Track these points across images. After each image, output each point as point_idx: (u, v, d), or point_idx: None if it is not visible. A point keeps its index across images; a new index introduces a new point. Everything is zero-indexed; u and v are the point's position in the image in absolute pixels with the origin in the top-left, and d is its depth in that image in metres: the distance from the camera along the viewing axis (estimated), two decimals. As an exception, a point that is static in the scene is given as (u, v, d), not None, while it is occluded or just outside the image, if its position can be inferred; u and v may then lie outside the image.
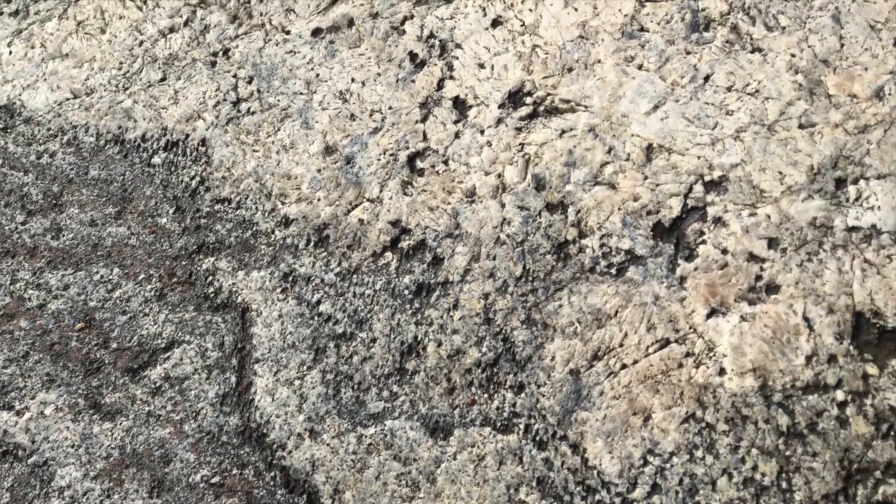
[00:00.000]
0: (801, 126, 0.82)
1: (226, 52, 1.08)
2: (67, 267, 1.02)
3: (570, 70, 0.93)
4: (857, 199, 0.78)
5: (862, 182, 0.79)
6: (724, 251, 0.81)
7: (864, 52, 0.83)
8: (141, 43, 1.13)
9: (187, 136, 1.05)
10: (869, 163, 0.79)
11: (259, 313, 0.94)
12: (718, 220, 0.83)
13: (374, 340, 0.90)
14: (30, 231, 1.05)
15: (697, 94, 0.87)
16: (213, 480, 0.87)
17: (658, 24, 0.91)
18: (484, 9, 0.99)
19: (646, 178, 0.87)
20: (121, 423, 0.92)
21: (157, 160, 1.05)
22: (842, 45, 0.84)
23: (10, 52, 1.19)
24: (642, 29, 0.92)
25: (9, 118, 1.15)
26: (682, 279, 0.82)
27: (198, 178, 1.02)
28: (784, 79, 0.84)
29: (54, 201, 1.07)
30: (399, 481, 0.83)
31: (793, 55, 0.85)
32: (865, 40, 0.83)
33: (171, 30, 1.12)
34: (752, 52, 0.86)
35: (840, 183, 0.80)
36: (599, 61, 0.92)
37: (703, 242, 0.83)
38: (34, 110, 1.14)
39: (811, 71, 0.84)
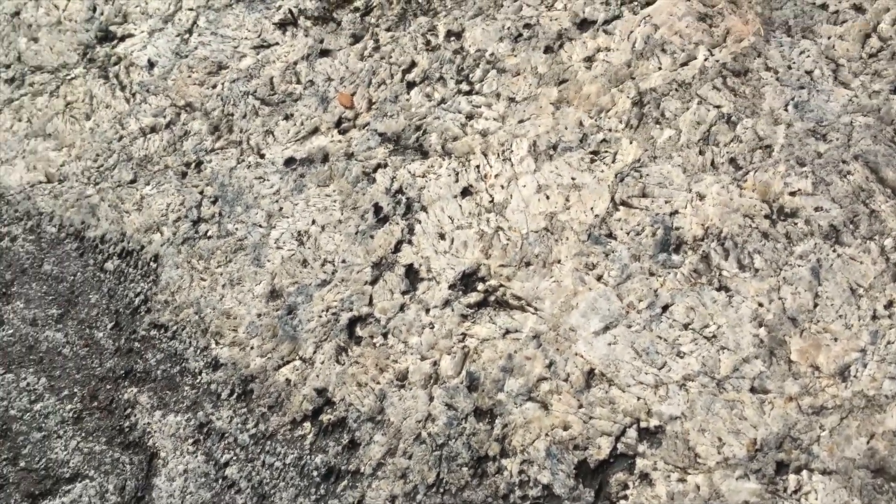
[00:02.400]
0: (752, 389, 0.74)
1: (198, 164, 1.04)
2: (-2, 366, 0.99)
3: (528, 264, 0.87)
4: (795, 492, 0.70)
5: (804, 473, 0.70)
6: (645, 514, 0.74)
7: (837, 319, 0.75)
8: (120, 138, 1.10)
9: (142, 247, 1.01)
10: (817, 452, 0.71)
11: (165, 463, 0.89)
12: (645, 478, 0.75)
13: (271, 521, 0.84)
14: (-27, 318, 1.03)
15: (652, 325, 0.80)
16: None
17: (627, 233, 0.84)
18: (457, 174, 0.93)
19: (581, 406, 0.80)
20: (6, 555, 0.89)
21: (109, 266, 1.02)
22: (815, 305, 0.76)
23: (-2, 122, 1.18)
24: (610, 235, 0.85)
25: (-18, 190, 1.13)
26: (595, 534, 0.75)
27: (142, 297, 0.98)
28: (746, 329, 0.77)
29: (4, 290, 1.05)
30: None
31: (760, 304, 0.77)
32: (842, 305, 0.75)
33: (153, 129, 1.09)
34: (719, 289, 0.79)
35: (781, 468, 0.71)
36: (559, 261, 0.86)
37: (625, 498, 0.75)
38: (7, 187, 1.12)
39: (776, 327, 0.76)
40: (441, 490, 0.81)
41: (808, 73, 0.86)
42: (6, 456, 0.94)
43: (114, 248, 1.03)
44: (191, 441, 0.90)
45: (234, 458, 0.88)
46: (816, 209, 0.79)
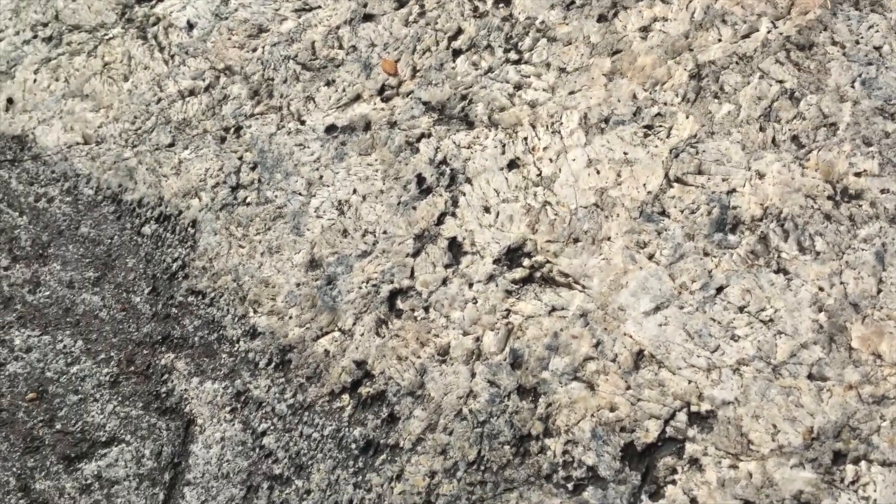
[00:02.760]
0: (810, 377, 0.71)
1: (238, 129, 1.03)
2: (35, 328, 0.99)
3: (576, 240, 0.85)
4: (852, 483, 0.68)
5: (863, 464, 0.68)
6: (694, 500, 0.72)
7: (902, 306, 0.72)
8: (159, 100, 1.08)
9: (180, 212, 1.00)
10: (876, 443, 0.68)
11: (203, 430, 0.89)
12: (695, 463, 0.73)
13: (308, 493, 0.84)
14: (10, 279, 1.02)
15: (705, 307, 0.78)
16: None
17: (682, 211, 0.82)
18: (504, 146, 0.91)
19: (628, 387, 0.78)
20: (42, 517, 0.89)
21: (146, 230, 1.01)
22: (879, 291, 0.73)
23: (35, 81, 1.16)
24: (663, 213, 0.82)
25: (19, 150, 1.12)
26: (641, 519, 0.73)
27: (180, 262, 0.97)
28: (804, 314, 0.74)
29: (41, 251, 1.04)
30: None
31: (821, 288, 0.74)
32: (907, 292, 0.72)
33: (191, 93, 1.07)
34: (777, 272, 0.76)
35: (838, 458, 0.69)
36: (609, 239, 0.83)
37: (674, 483, 0.73)
38: (44, 147, 1.11)
39: (837, 313, 0.73)
40: (482, 468, 0.80)
41: (877, 48, 0.83)
42: (42, 418, 0.94)
43: (151, 213, 1.02)
44: (228, 409, 0.89)
45: (272, 427, 0.87)
46: (883, 191, 0.76)
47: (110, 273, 1.00)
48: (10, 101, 1.14)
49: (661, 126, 0.86)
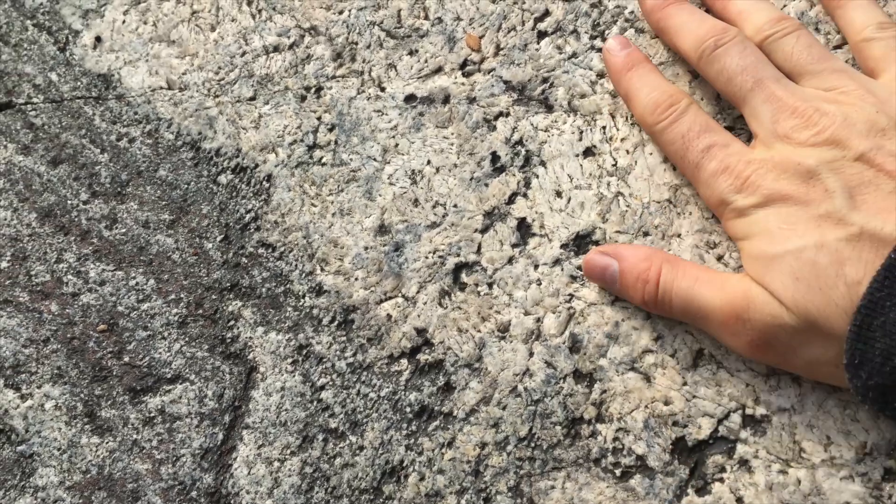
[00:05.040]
0: (868, 393, 0.72)
1: (318, 89, 1.05)
2: (110, 262, 1.03)
3: (646, 234, 0.86)
4: (900, 502, 0.69)
5: (913, 484, 0.69)
6: (740, 500, 0.74)
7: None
8: (244, 53, 1.11)
9: (257, 165, 1.03)
10: (929, 465, 0.70)
11: (264, 378, 0.92)
12: (745, 464, 0.75)
13: (361, 448, 0.87)
14: (88, 213, 1.06)
15: (769, 313, 0.79)
16: (170, 535, 0.87)
17: (755, 216, 0.82)
18: (582, 133, 0.92)
19: (685, 383, 0.80)
20: (107, 443, 0.93)
21: (223, 179, 1.04)
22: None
23: (124, 22, 1.19)
24: (737, 216, 0.83)
25: (104, 89, 1.16)
26: (685, 511, 0.75)
27: (252, 214, 1.00)
28: (869, 331, 0.75)
29: (119, 189, 1.08)
30: None
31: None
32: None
33: (276, 49, 1.09)
34: (846, 286, 0.77)
35: (889, 474, 0.71)
36: (679, 235, 0.85)
37: (721, 481, 0.75)
38: (128, 88, 1.14)
39: None
40: (532, 444, 0.82)
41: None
42: (111, 349, 0.98)
43: (228, 163, 1.05)
44: (290, 361, 0.92)
45: (331, 383, 0.90)
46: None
47: (185, 217, 1.04)
48: (98, 39, 1.17)
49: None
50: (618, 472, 0.77)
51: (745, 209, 0.65)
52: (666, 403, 0.78)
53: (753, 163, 0.65)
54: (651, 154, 0.88)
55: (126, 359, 0.97)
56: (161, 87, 1.14)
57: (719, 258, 0.82)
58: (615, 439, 0.78)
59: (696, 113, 0.73)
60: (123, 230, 1.05)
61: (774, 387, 0.75)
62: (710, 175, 0.69)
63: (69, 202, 1.08)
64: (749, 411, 0.75)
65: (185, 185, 1.07)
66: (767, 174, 0.63)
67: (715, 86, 0.74)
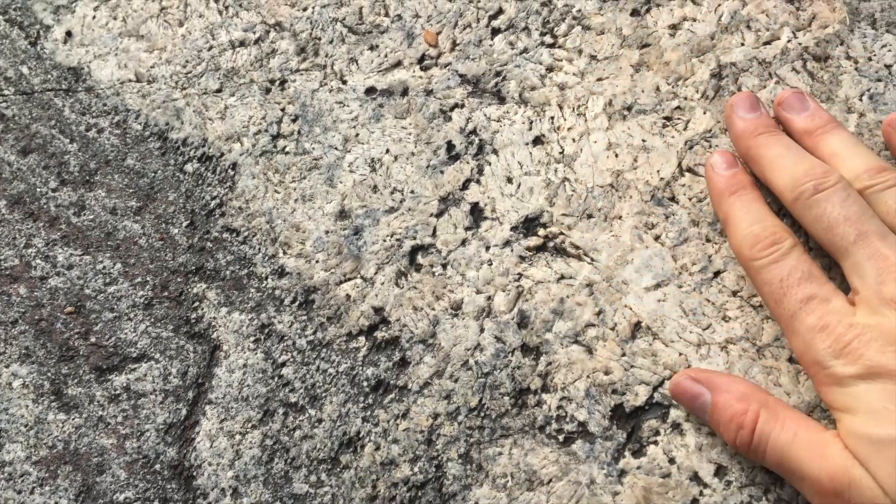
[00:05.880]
0: (790, 360, 0.78)
1: (283, 82, 1.09)
2: (78, 247, 1.06)
3: (589, 216, 0.91)
4: (817, 458, 0.75)
5: (829, 442, 0.75)
6: (672, 460, 0.79)
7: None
8: (211, 48, 1.15)
9: (222, 154, 1.07)
10: (843, 424, 0.75)
11: (227, 355, 0.96)
12: (677, 427, 0.80)
13: (320, 421, 0.91)
14: (57, 200, 1.09)
15: (702, 288, 0.84)
16: (134, 505, 0.91)
17: (690, 199, 0.88)
18: (531, 123, 0.97)
19: (624, 354, 0.85)
20: (73, 419, 0.96)
21: (189, 168, 1.07)
22: (862, 289, 0.79)
23: (94, 17, 1.22)
24: (673, 199, 0.89)
25: (74, 81, 1.19)
26: (623, 473, 0.80)
27: (218, 200, 1.04)
28: (792, 303, 0.81)
29: (87, 178, 1.11)
30: (296, 569, 0.85)
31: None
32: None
33: (242, 44, 1.13)
34: (771, 263, 0.83)
35: (807, 434, 0.76)
36: (621, 217, 0.90)
37: (655, 443, 0.81)
38: (97, 81, 1.17)
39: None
40: (482, 414, 0.87)
41: (888, 67, 0.89)
42: (78, 330, 1.01)
43: (195, 152, 1.09)
44: (252, 339, 0.96)
45: (291, 360, 0.94)
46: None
47: (151, 204, 1.07)
48: (68, 33, 1.21)
49: (679, 118, 0.92)
50: (561, 437, 0.82)
51: (844, 378, 0.59)
52: (606, 373, 0.83)
53: (856, 327, 0.59)
54: (595, 142, 0.93)
55: (92, 339, 1.01)
56: (130, 80, 1.18)
57: (656, 238, 0.87)
58: (559, 407, 0.83)
59: (798, 257, 0.66)
60: (91, 216, 1.08)
61: (705, 355, 0.81)
62: (807, 330, 0.63)
63: (38, 190, 1.12)
64: (682, 378, 0.81)
65: (153, 174, 1.10)
66: (871, 343, 0.57)
67: (811, 231, 0.67)
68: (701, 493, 0.77)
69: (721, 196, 0.76)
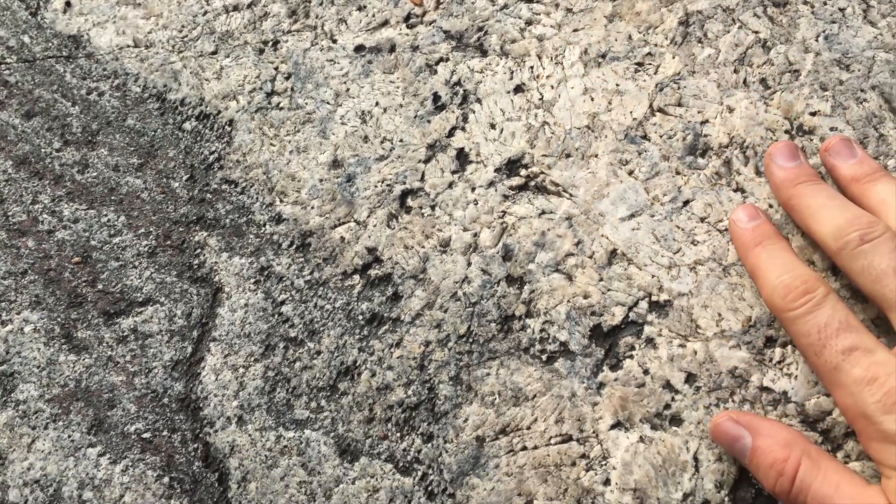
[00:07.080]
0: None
1: (275, 43, 1.15)
2: (82, 202, 1.11)
3: (567, 156, 0.97)
4: (779, 363, 0.81)
5: (789, 348, 0.82)
6: (646, 371, 0.86)
7: (836, 224, 0.85)
8: (205, 13, 1.20)
9: (219, 112, 1.12)
10: (802, 332, 0.82)
11: (229, 297, 1.02)
12: (650, 342, 0.87)
13: (318, 353, 0.97)
14: (61, 159, 1.15)
15: (672, 216, 0.91)
16: (145, 435, 0.96)
17: (661, 136, 0.95)
18: (512, 73, 1.03)
19: (601, 279, 0.91)
20: (83, 360, 1.02)
21: (187, 126, 1.13)
22: (818, 211, 0.86)
23: (92, -12, 1.27)
24: (645, 137, 0.95)
25: (74, 48, 1.24)
26: (601, 385, 0.87)
27: (216, 155, 1.10)
28: (755, 226, 0.87)
29: (90, 138, 1.16)
30: (300, 488, 0.91)
31: (770, 205, 0.88)
32: (842, 212, 0.85)
33: (235, 8, 1.19)
34: (735, 190, 0.89)
35: (769, 342, 0.83)
36: (597, 156, 0.96)
37: (631, 357, 0.87)
38: (97, 48, 1.22)
39: (781, 226, 0.86)
40: (470, 340, 0.93)
41: (842, 10, 0.95)
42: (86, 279, 1.06)
43: (192, 111, 1.14)
44: (252, 281, 1.02)
45: (290, 298, 1.00)
46: (832, 129, 0.89)
47: (152, 161, 1.13)
48: (67, 3, 1.26)
49: (650, 64, 0.98)
50: (544, 357, 0.88)
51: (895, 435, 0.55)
52: (585, 297, 0.89)
53: None
54: (572, 88, 1.00)
55: (100, 286, 1.06)
56: (128, 46, 1.23)
57: (630, 173, 0.94)
58: (542, 330, 0.89)
59: (834, 305, 0.63)
60: (94, 174, 1.14)
61: (675, 276, 0.87)
62: (853, 382, 0.59)
63: (43, 150, 1.17)
64: (654, 298, 0.87)
65: (153, 133, 1.16)
66: None
67: (857, 282, 0.64)
68: (673, 399, 0.83)
69: (747, 248, 0.75)
